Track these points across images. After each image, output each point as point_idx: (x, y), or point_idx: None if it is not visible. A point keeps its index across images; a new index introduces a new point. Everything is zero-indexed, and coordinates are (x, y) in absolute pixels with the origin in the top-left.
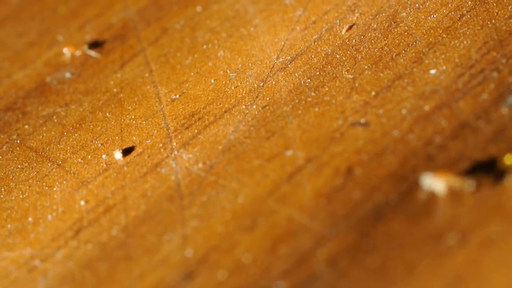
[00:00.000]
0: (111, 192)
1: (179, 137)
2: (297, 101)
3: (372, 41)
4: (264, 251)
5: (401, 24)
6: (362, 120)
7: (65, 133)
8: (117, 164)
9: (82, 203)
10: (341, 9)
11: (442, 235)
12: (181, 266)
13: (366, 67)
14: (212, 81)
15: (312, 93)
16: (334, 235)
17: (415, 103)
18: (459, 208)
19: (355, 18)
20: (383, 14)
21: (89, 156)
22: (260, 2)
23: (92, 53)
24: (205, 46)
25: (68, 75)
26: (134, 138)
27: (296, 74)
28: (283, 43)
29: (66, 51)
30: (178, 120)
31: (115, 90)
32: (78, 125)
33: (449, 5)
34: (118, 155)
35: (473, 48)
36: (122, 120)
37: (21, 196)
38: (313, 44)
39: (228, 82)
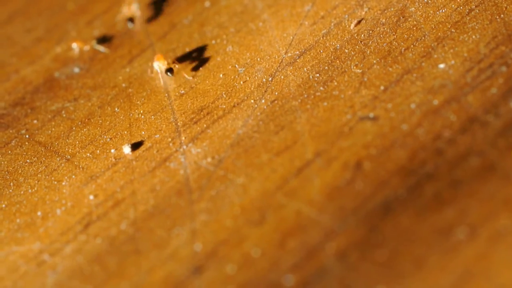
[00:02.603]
0: (120, 186)
1: (188, 131)
2: (305, 95)
3: (381, 35)
4: (273, 245)
5: (409, 19)
6: (371, 115)
7: (73, 128)
8: (125, 159)
9: (91, 197)
10: (350, 4)
11: (451, 229)
12: (190, 260)
13: (374, 61)
14: (221, 75)
15: (321, 88)
16: (343, 229)
17: (424, 97)
18: None
19: (363, 13)
20: (392, 9)
21: (98, 151)
22: None
23: (101, 48)
24: (213, 41)
25: (76, 70)
26: (143, 132)
27: (305, 69)
28: (291, 38)
29: (75, 46)
30: (187, 114)
31: (123, 85)
32: (86, 120)
33: (458, 0)
34: (126, 149)
35: (482, 42)
36: (131, 114)
37: (30, 191)
38: (321, 39)
39: (236, 76)
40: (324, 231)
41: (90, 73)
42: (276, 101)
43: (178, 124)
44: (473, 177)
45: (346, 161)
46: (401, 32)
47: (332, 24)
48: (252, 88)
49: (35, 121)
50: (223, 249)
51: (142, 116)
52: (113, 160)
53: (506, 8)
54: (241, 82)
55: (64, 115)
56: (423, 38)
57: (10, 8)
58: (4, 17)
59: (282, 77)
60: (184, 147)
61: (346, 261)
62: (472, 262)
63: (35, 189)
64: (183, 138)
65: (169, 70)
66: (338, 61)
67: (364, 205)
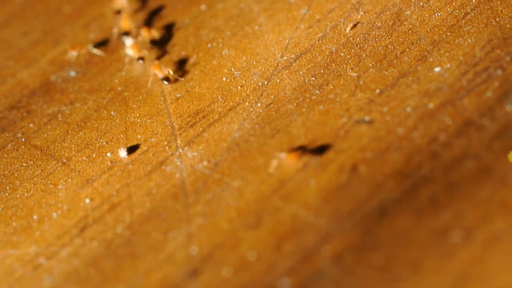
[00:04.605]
0: (116, 190)
1: (184, 135)
2: (301, 99)
3: (377, 39)
4: (268, 249)
5: (405, 23)
6: (367, 118)
7: (70, 132)
8: (122, 162)
9: (87, 201)
10: (345, 8)
11: (446, 232)
12: (186, 263)
13: (370, 65)
14: (217, 79)
15: (317, 91)
16: (338, 232)
17: (420, 100)
18: None
19: (359, 16)
20: (387, 13)
21: (94, 154)
22: (264, 0)
23: (97, 51)
24: (209, 45)
25: (72, 73)
26: (139, 136)
27: (301, 72)
28: (287, 41)
29: (71, 51)
30: (183, 118)
31: (119, 88)
32: (83, 124)
33: (453, 3)
34: (122, 153)
35: (477, 46)
36: (127, 118)
37: (26, 194)
38: (317, 42)
39: (232, 80)
40: (320, 235)
41: (86, 76)
42: (272, 105)
43: (174, 127)
44: (468, 180)
45: (342, 165)
46: (397, 36)
47: (328, 27)
48: (248, 92)
49: (31, 125)
50: (219, 252)
51: (138, 120)
52: (109, 163)
53: (501, 11)
54: (239, 87)
55: (60, 119)
56: (418, 41)
57: (7, 11)
58: (0, 21)
59: (278, 80)
60: (180, 150)
61: (342, 264)
62: (468, 265)
63: (31, 192)
64: (179, 141)
65: (166, 79)
66: (333, 65)
67: (360, 209)
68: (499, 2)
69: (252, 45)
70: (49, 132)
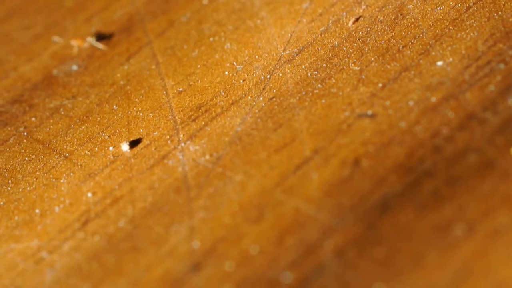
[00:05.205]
0: (118, 184)
1: (186, 129)
2: (304, 93)
3: (379, 33)
4: (271, 243)
5: (407, 16)
6: (369, 112)
7: (72, 125)
8: (124, 156)
9: (89, 195)
10: (348, 2)
11: (449, 226)
12: (188, 257)
13: (373, 59)
14: (219, 73)
15: (319, 85)
16: (341, 227)
17: (422, 94)
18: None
19: (361, 10)
20: (390, 7)
21: (96, 148)
22: None
23: (99, 45)
24: (211, 39)
25: (75, 67)
26: (141, 130)
27: (303, 66)
28: (289, 35)
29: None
30: (185, 112)
31: (122, 82)
32: (85, 117)
33: None
34: (125, 147)
35: (480, 40)
36: (129, 112)
37: (28, 188)
38: (319, 36)
39: (235, 74)
40: (322, 228)
41: (88, 70)
42: (274, 99)
43: (176, 121)
44: (471, 174)
45: (344, 158)
46: (399, 30)
47: (330, 21)
48: (250, 86)
49: (33, 119)
50: (221, 246)
51: (140, 114)
52: (111, 157)
53: (504, 5)
54: (241, 81)
55: (62, 113)
56: (421, 35)
57: (8, 5)
58: (2, 15)
59: (280, 74)
60: (182, 144)
61: (344, 258)
62: (470, 259)
63: (33, 186)
64: (181, 135)
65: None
66: (336, 59)
67: (362, 202)
68: None
69: (254, 39)
70: (51, 126)
